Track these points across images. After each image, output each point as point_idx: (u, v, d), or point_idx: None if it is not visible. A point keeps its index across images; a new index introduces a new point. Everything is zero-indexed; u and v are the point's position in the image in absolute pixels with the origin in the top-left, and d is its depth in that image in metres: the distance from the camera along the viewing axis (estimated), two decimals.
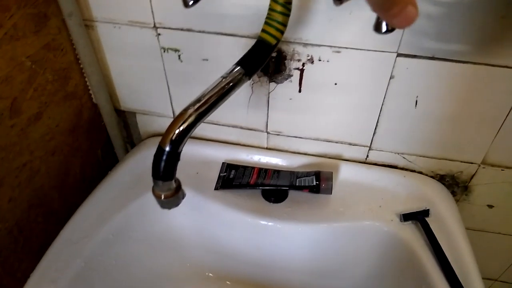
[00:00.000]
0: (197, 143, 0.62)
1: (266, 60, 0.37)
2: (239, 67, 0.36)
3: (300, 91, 0.52)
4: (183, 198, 0.37)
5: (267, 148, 0.61)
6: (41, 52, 0.50)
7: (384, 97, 0.50)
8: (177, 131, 0.33)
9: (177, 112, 0.60)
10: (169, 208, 0.36)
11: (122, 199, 0.54)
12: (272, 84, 0.52)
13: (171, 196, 0.35)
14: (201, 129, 0.60)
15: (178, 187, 0.36)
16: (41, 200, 0.55)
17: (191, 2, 0.31)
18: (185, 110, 0.34)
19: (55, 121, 0.55)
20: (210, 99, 0.34)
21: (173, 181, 0.34)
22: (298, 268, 0.57)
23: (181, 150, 0.33)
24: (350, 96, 0.51)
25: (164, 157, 0.32)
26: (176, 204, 0.36)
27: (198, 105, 0.34)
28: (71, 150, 0.59)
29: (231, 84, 0.35)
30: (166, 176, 0.33)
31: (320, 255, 0.55)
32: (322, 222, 0.53)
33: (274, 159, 0.60)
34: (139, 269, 0.55)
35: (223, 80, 0.35)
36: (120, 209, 0.53)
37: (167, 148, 0.32)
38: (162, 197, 0.35)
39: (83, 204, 0.53)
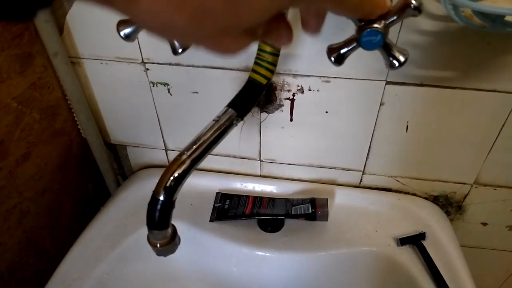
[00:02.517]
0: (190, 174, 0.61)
1: (257, 100, 0.37)
2: (231, 109, 0.36)
3: (291, 120, 0.52)
4: (178, 244, 0.36)
5: (261, 176, 0.61)
6: (27, 92, 0.49)
7: (375, 123, 0.50)
8: (171, 178, 0.32)
9: (169, 144, 0.60)
10: (165, 255, 0.36)
11: (116, 236, 0.53)
12: (264, 114, 0.52)
13: (167, 244, 0.35)
14: None
15: (174, 233, 0.35)
16: (32, 241, 0.53)
17: (180, 50, 0.31)
18: (179, 156, 0.33)
19: (44, 160, 0.54)
20: (203, 144, 0.34)
21: (169, 229, 0.34)
22: None
23: (176, 198, 0.33)
24: (342, 123, 0.51)
25: (159, 207, 0.32)
26: (172, 251, 0.36)
27: (191, 150, 0.33)
28: (61, 188, 0.58)
29: (223, 127, 0.35)
30: (161, 225, 0.33)
31: (318, 283, 0.54)
32: (320, 250, 0.52)
33: (268, 186, 0.60)
34: None
35: (216, 123, 0.35)
36: (114, 247, 0.52)
37: (161, 197, 0.32)
38: (158, 246, 0.34)
39: (75, 243, 0.51)
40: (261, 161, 0.58)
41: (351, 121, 0.51)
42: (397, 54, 0.26)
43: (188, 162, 0.32)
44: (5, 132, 0.46)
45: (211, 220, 0.56)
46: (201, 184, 0.60)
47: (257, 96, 0.36)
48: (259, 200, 0.57)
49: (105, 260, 0.50)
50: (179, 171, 0.32)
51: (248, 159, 0.59)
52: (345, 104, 0.49)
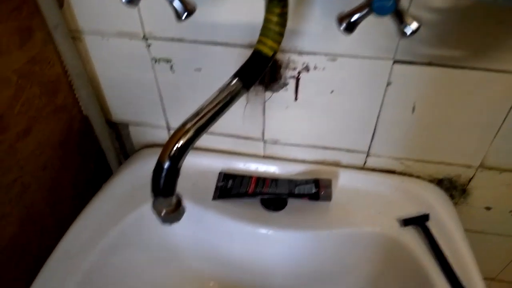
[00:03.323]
0: (193, 154, 0.60)
1: (263, 72, 0.36)
2: (236, 79, 0.35)
3: (296, 99, 0.51)
4: (183, 213, 0.36)
5: (264, 157, 0.60)
6: (27, 66, 0.48)
7: (382, 104, 0.50)
8: (176, 146, 0.32)
9: (171, 123, 0.59)
10: (170, 223, 0.36)
11: (119, 212, 0.53)
12: (268, 93, 0.51)
13: (172, 212, 0.34)
14: None
15: (179, 202, 0.35)
16: (33, 217, 0.53)
17: (184, 16, 0.30)
18: (184, 124, 0.33)
19: (45, 136, 0.53)
20: (209, 113, 0.33)
21: (174, 196, 0.33)
22: (299, 275, 0.56)
23: (181, 166, 0.32)
24: (347, 103, 0.50)
25: (164, 173, 0.31)
26: (177, 219, 0.36)
27: (196, 119, 0.33)
28: (62, 165, 0.57)
29: (229, 97, 0.34)
30: (166, 192, 0.32)
31: (321, 262, 0.54)
32: (323, 229, 0.52)
33: (271, 167, 0.59)
34: (138, 282, 0.54)
35: (221, 93, 0.34)
36: (117, 221, 0.52)
37: (166, 164, 0.31)
38: (163, 213, 0.34)
39: (78, 217, 0.51)
40: (264, 141, 0.58)
41: (357, 101, 0.50)
42: (409, 21, 0.25)
43: (193, 131, 0.32)
44: (5, 105, 0.46)
45: (214, 199, 0.55)
46: (204, 164, 0.60)
47: (263, 68, 0.35)
48: (262, 180, 0.57)
49: (108, 234, 0.50)
50: (184, 139, 0.32)
51: (252, 139, 0.58)
52: (351, 83, 0.48)
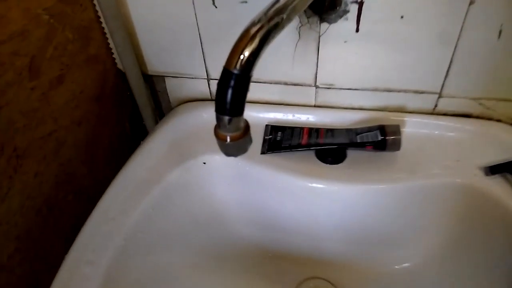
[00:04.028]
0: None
1: None
2: None
3: (357, 30, 0.44)
4: (251, 142, 0.30)
5: (315, 106, 0.54)
6: (58, 6, 0.44)
7: (461, 29, 0.42)
8: (248, 46, 0.26)
9: (211, 72, 0.53)
10: (236, 154, 0.30)
11: (160, 170, 0.48)
12: (324, 25, 0.45)
13: (240, 137, 0.28)
14: None
15: (247, 128, 0.29)
16: (70, 176, 0.49)
17: None
18: (256, 21, 0.27)
19: (79, 87, 0.49)
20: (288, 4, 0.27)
21: (242, 117, 0.28)
22: (361, 238, 0.50)
23: (252, 75, 0.26)
24: (420, 30, 0.43)
25: (232, 83, 0.25)
26: (245, 149, 0.30)
27: (271, 12, 0.27)
28: (98, 121, 0.53)
29: None
30: (234, 109, 0.26)
31: (389, 222, 0.48)
32: (392, 182, 0.45)
33: (324, 117, 0.52)
34: (183, 246, 0.49)
35: None
36: (159, 180, 0.47)
37: (236, 70, 0.25)
38: (228, 140, 0.28)
39: (118, 176, 0.47)
40: (316, 87, 0.51)
41: (431, 27, 0.42)
42: None
43: (267, 27, 0.26)
44: (37, 47, 0.41)
45: (262, 153, 0.50)
46: (248, 117, 0.53)
47: None
48: (316, 131, 0.50)
49: (150, 194, 0.46)
50: (259, 37, 0.26)
51: (302, 85, 0.52)
52: (426, 5, 0.41)
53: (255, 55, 0.25)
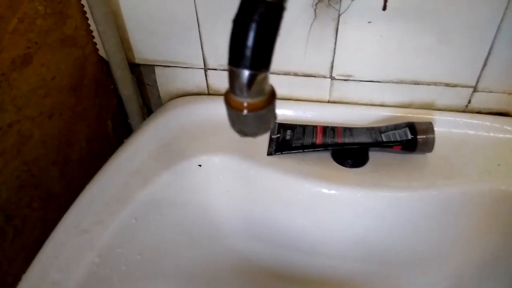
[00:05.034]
0: None
1: None
2: None
3: (385, 8, 0.37)
4: (276, 117, 0.22)
5: (329, 102, 0.47)
6: None
7: (507, 7, 0.36)
8: None
9: (209, 60, 0.46)
10: (256, 132, 0.22)
11: (145, 173, 0.40)
12: (345, 1, 0.38)
13: (264, 106, 0.20)
14: None
15: (273, 93, 0.21)
16: (36, 178, 0.40)
17: None
18: None
19: (51, 72, 0.41)
20: None
21: (268, 74, 0.20)
22: (388, 256, 0.42)
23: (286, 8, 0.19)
24: (458, 10, 0.36)
25: (259, 15, 0.17)
26: (268, 125, 0.22)
27: None
28: (73, 115, 0.45)
29: None
30: (260, 58, 0.19)
31: (421, 235, 0.40)
32: (424, 189, 0.38)
33: (339, 115, 0.45)
34: (171, 267, 0.40)
35: None
36: (143, 185, 0.39)
37: None
38: (246, 110, 0.20)
39: (94, 179, 0.39)
40: (332, 78, 0.44)
41: (472, 5, 0.36)
42: None
43: None
44: None
45: (269, 154, 0.42)
46: None
47: None
48: (331, 130, 0.43)
49: (132, 201, 0.37)
50: None
51: (315, 76, 0.44)
52: None
53: None
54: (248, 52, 0.18)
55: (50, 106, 0.41)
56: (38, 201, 0.41)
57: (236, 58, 0.19)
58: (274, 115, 0.22)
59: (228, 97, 0.21)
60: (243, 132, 0.22)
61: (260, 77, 0.19)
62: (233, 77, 0.19)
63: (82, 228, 0.34)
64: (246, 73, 0.19)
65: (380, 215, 0.39)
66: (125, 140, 0.44)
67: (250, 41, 0.18)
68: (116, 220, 0.36)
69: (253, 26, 0.18)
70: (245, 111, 0.20)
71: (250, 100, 0.20)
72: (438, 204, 0.39)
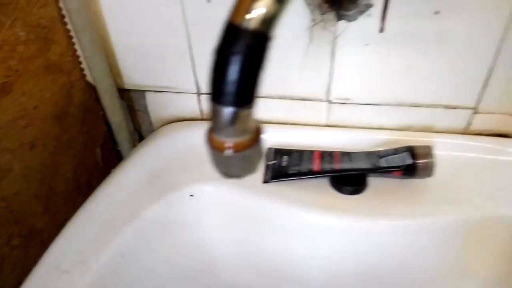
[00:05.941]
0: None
1: None
2: None
3: (382, 29, 0.36)
4: (263, 154, 0.20)
5: (326, 126, 0.45)
6: None
7: (505, 28, 0.35)
8: None
9: (202, 85, 0.45)
10: (240, 174, 0.20)
11: (133, 205, 0.38)
12: (341, 24, 0.37)
13: (248, 146, 0.18)
14: None
15: (258, 130, 0.19)
16: (17, 214, 0.38)
17: None
18: None
19: (33, 100, 0.39)
20: None
21: (252, 110, 0.18)
22: (396, 284, 0.40)
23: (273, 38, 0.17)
24: (457, 30, 0.36)
25: (242, 46, 0.16)
26: (253, 166, 0.20)
27: None
28: (58, 145, 0.43)
29: None
30: (243, 94, 0.17)
31: (424, 265, 0.38)
32: (426, 216, 0.36)
33: (337, 139, 0.44)
34: None
35: None
36: (131, 218, 0.36)
37: (248, 25, 0.16)
38: (229, 150, 0.18)
39: (77, 214, 0.36)
40: (329, 102, 0.43)
41: (472, 25, 0.35)
42: None
43: None
44: None
45: (265, 181, 0.40)
46: None
47: None
48: (329, 155, 0.41)
49: (118, 238, 0.35)
50: None
51: (311, 100, 0.43)
52: None
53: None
54: (229, 88, 0.16)
55: (31, 137, 0.39)
56: (18, 238, 0.38)
57: (217, 94, 0.17)
58: (260, 154, 0.20)
59: (209, 136, 0.19)
60: (226, 174, 0.20)
61: (243, 114, 0.17)
62: (215, 115, 0.17)
63: (62, 268, 0.32)
64: (228, 110, 0.17)
65: (380, 244, 0.37)
66: (112, 170, 0.42)
67: (232, 75, 0.16)
68: (101, 259, 0.33)
69: (235, 58, 0.16)
70: (228, 152, 0.18)
71: (233, 140, 0.18)
72: (439, 232, 0.37)
